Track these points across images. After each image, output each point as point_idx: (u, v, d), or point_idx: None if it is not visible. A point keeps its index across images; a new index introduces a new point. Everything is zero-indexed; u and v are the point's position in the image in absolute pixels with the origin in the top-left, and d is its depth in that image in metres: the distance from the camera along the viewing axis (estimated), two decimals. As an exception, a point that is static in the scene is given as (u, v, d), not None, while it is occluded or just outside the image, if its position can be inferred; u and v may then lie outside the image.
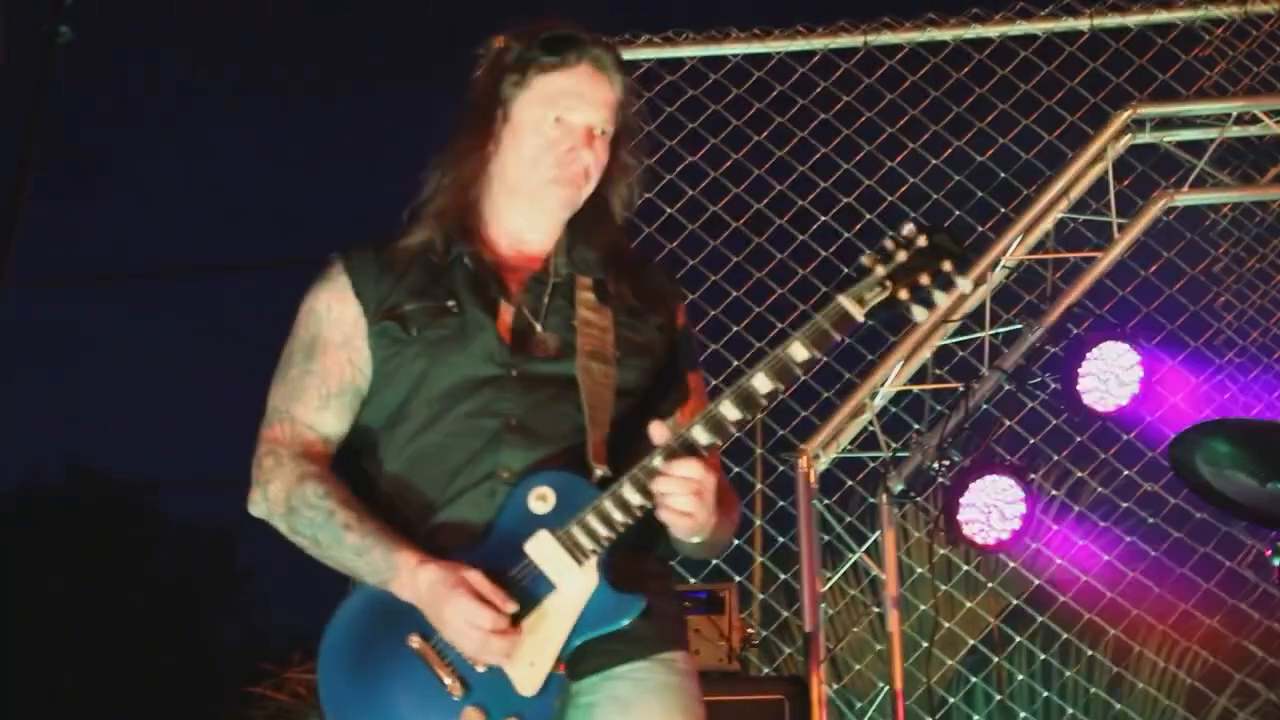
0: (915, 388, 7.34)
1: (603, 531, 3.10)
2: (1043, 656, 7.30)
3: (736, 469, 7.41)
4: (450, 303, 3.30)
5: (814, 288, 7.50)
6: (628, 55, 7.56)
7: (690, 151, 7.67)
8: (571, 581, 3.12)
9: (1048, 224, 7.36)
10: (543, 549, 3.12)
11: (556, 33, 3.34)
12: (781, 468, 7.34)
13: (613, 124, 3.37)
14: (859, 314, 3.07)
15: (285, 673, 8.69)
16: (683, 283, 3.64)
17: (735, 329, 7.47)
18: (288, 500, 3.25)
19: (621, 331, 3.32)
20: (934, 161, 7.61)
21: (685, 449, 3.09)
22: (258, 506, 3.29)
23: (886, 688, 7.11)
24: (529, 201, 3.38)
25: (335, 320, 3.35)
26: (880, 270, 3.07)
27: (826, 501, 7.22)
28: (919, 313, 3.09)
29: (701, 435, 3.10)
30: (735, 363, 7.24)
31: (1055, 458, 7.35)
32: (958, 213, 7.56)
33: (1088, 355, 7.00)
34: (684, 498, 3.08)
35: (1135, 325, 7.33)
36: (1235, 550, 7.18)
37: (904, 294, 3.07)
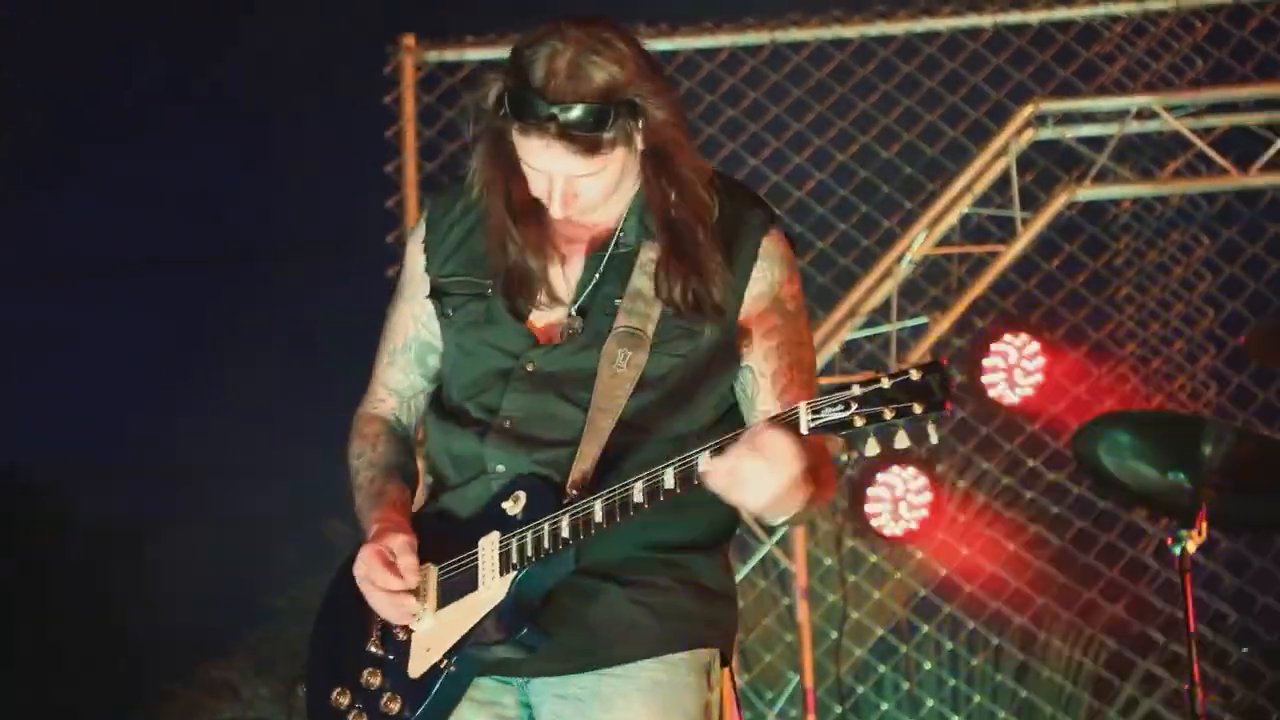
0: (823, 380, 7.37)
1: (529, 551, 3.05)
2: (950, 645, 7.37)
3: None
4: (488, 284, 3.23)
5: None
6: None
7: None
8: (489, 588, 3.11)
9: (952, 219, 7.44)
10: (486, 547, 3.13)
11: (514, 93, 3.09)
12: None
13: (595, 167, 3.09)
14: (805, 424, 2.83)
15: (197, 668, 8.67)
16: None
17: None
18: (346, 457, 3.38)
19: (667, 320, 3.16)
20: (840, 157, 7.67)
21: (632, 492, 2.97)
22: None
23: (796, 678, 7.17)
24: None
25: (412, 273, 3.36)
26: (855, 389, 2.83)
27: (736, 494, 7.26)
28: (873, 446, 2.92)
29: (638, 494, 2.97)
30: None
31: (960, 449, 7.43)
32: (864, 208, 7.62)
33: (992, 348, 7.09)
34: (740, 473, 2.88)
35: (1038, 318, 7.43)
36: (1137, 539, 7.29)
37: (860, 421, 2.82)
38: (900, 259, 7.40)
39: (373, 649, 3.20)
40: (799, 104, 7.73)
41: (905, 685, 7.34)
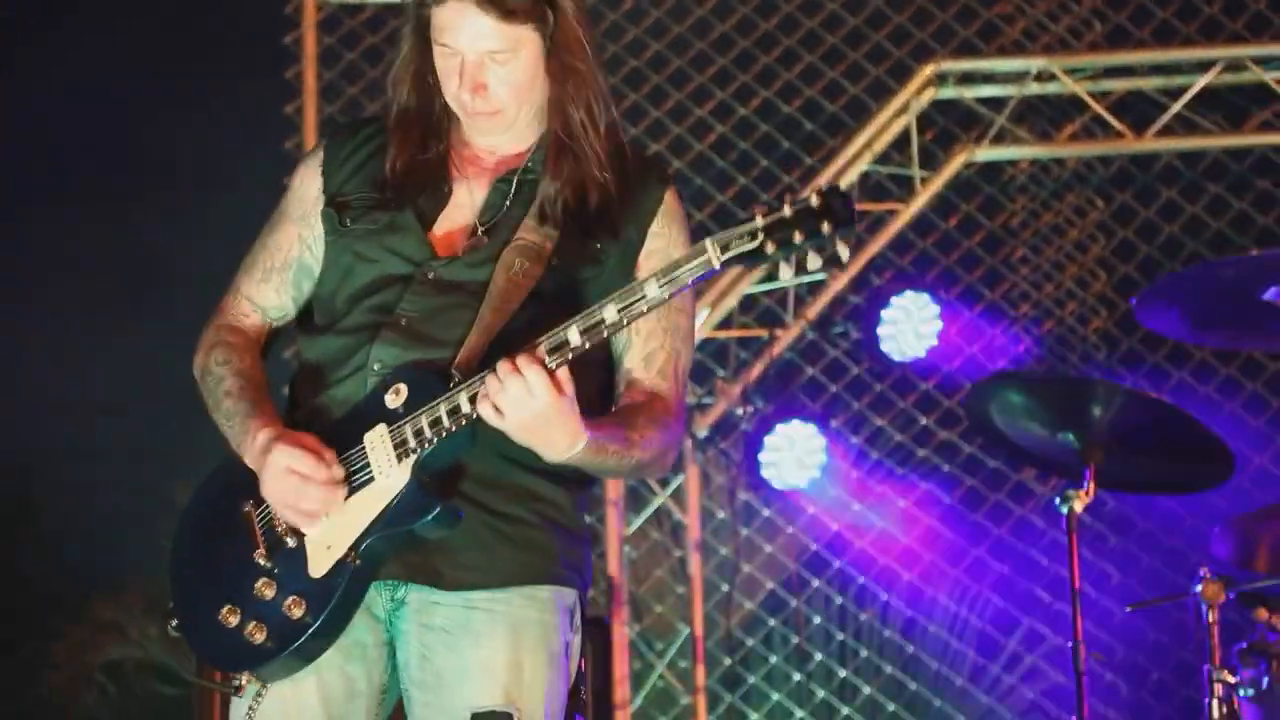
0: (721, 334, 7.42)
1: (427, 433, 3.08)
2: (839, 600, 7.43)
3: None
4: (390, 197, 3.31)
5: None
6: None
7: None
8: (386, 475, 3.12)
9: (852, 176, 7.46)
10: (375, 441, 3.13)
11: None
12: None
13: (507, 43, 3.21)
14: (716, 260, 2.94)
15: (86, 606, 8.58)
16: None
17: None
18: (202, 366, 3.35)
19: (568, 240, 3.26)
20: (742, 111, 7.67)
21: (526, 355, 3.02)
22: (194, 366, 3.39)
23: (687, 630, 7.21)
24: (467, 129, 3.37)
25: (300, 196, 3.41)
26: (759, 220, 2.91)
27: (631, 446, 7.28)
28: (785, 271, 2.97)
29: (542, 350, 3.02)
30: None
31: (855, 406, 7.47)
32: (764, 163, 7.63)
33: (888, 306, 7.13)
34: (499, 399, 2.99)
35: (935, 277, 7.48)
36: (1026, 498, 7.36)
37: (771, 248, 2.90)
38: (799, 214, 7.40)
39: (260, 561, 3.17)
40: (701, 57, 7.71)
41: (794, 639, 7.38)
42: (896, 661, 7.40)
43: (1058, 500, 4.96)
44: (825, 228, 2.89)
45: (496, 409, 3.00)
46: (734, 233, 2.94)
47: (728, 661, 7.31)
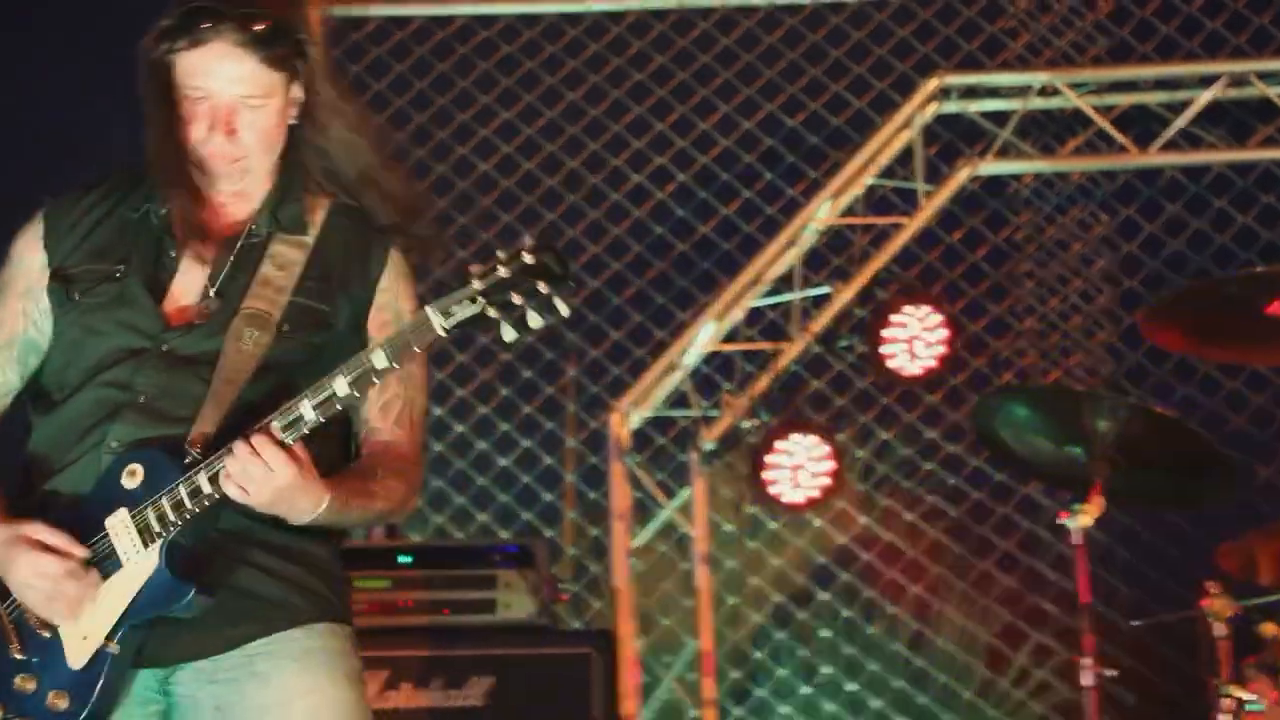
0: (727, 348, 7.43)
1: (171, 516, 3.05)
2: (847, 613, 7.42)
3: (550, 425, 7.45)
4: (118, 268, 3.26)
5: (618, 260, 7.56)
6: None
7: (505, 113, 7.67)
8: (135, 562, 3.08)
9: (856, 189, 7.47)
10: (118, 526, 3.09)
11: (184, 9, 3.24)
12: (594, 425, 7.40)
13: (262, 88, 3.24)
14: (440, 327, 2.97)
15: None
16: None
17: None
18: None
19: (298, 299, 3.26)
20: (746, 125, 7.67)
21: (262, 435, 3.02)
22: None
23: (695, 643, 7.20)
24: (207, 175, 3.33)
25: (25, 268, 3.33)
26: (476, 284, 2.93)
27: (638, 459, 7.29)
28: (509, 332, 2.95)
29: (277, 429, 3.03)
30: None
31: (861, 419, 7.47)
32: (769, 176, 7.64)
33: (893, 319, 7.13)
34: (242, 479, 3.01)
35: (940, 290, 7.48)
36: (1032, 512, 7.36)
37: (493, 312, 2.94)
38: (804, 228, 7.42)
39: (15, 655, 3.12)
40: (705, 70, 7.72)
41: (803, 651, 7.38)
42: (905, 675, 7.39)
43: (1064, 514, 4.97)
44: (542, 287, 2.93)
45: (241, 489, 3.01)
46: (454, 298, 2.96)
47: (736, 674, 7.30)
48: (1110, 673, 5.03)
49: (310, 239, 3.32)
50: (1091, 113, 7.49)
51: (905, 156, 7.54)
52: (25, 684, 3.10)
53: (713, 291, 7.40)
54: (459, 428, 7.38)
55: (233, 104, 3.23)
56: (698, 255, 7.59)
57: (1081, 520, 4.94)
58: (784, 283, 7.44)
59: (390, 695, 5.53)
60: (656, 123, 7.67)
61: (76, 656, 3.09)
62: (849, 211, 7.50)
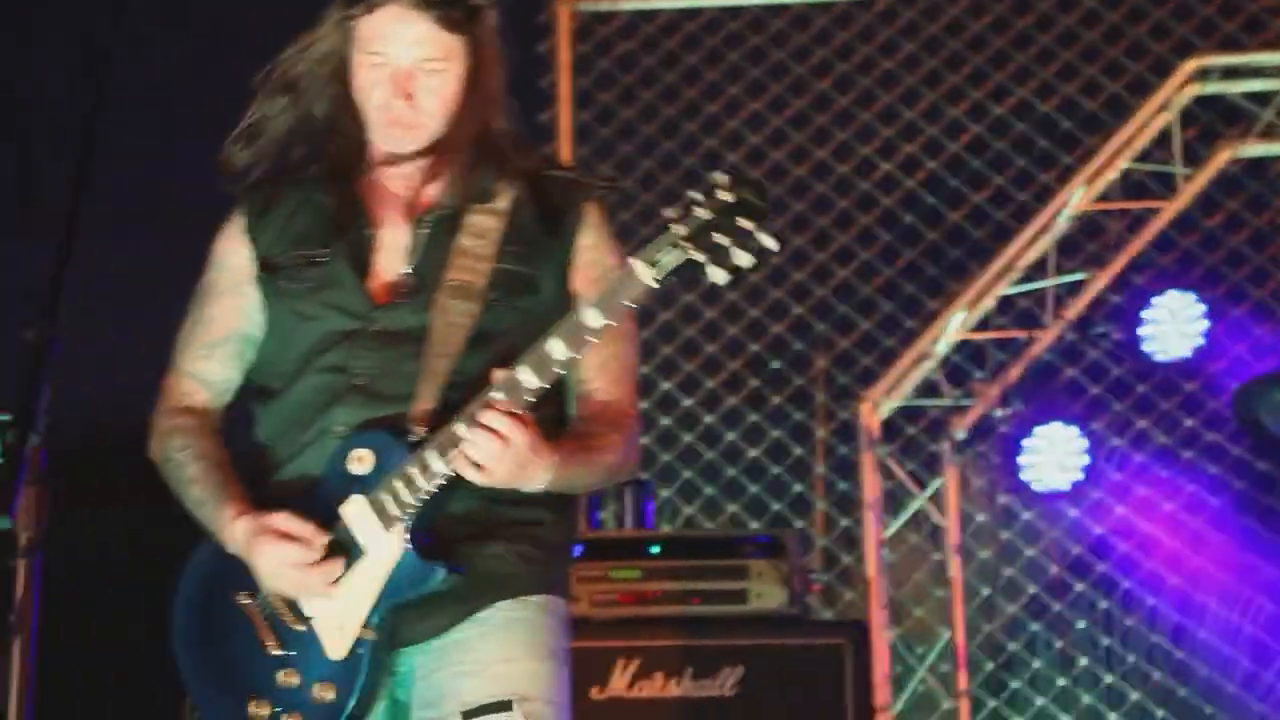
0: (978, 336, 7.37)
1: (406, 497, 3.08)
2: (1104, 604, 7.32)
3: (800, 416, 7.46)
4: (320, 252, 3.31)
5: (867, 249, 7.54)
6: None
7: (749, 102, 7.69)
8: (378, 547, 3.11)
9: (1112, 174, 7.35)
10: (355, 513, 3.13)
11: None
12: (844, 415, 7.39)
13: (441, 51, 3.25)
14: (649, 278, 2.93)
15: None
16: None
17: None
18: (160, 452, 3.35)
19: (502, 265, 3.27)
20: (997, 110, 7.60)
21: (489, 407, 3.01)
22: (150, 455, 3.39)
23: (948, 634, 7.16)
24: (385, 144, 3.35)
25: (230, 265, 3.39)
26: (678, 229, 2.89)
27: (888, 449, 7.27)
28: (717, 273, 2.90)
29: (500, 399, 3.02)
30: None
31: (1117, 407, 7.36)
32: (1020, 162, 7.55)
33: (1151, 305, 7.01)
34: (476, 455, 3.02)
35: (1199, 276, 7.32)
36: (1298, 500, 7.18)
37: (699, 255, 2.88)
38: (1058, 214, 7.32)
39: (273, 651, 3.18)
40: (955, 56, 7.66)
41: (1058, 643, 7.29)
42: (1165, 667, 7.26)
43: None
44: (745, 223, 2.86)
45: (475, 464, 3.02)
46: (657, 246, 2.92)
47: (990, 666, 7.24)
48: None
49: (502, 206, 3.31)
50: (1357, 91, 7.27)
51: (1163, 140, 7.39)
52: (289, 679, 3.15)
53: (964, 280, 7.34)
54: (708, 419, 7.43)
55: (411, 68, 3.24)
56: (948, 243, 7.54)
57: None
58: (1037, 270, 7.35)
59: (642, 685, 5.59)
60: (906, 110, 7.63)
61: (335, 647, 3.14)
62: (1104, 197, 7.38)
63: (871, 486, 7.13)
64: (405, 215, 3.34)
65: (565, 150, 7.49)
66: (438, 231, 3.31)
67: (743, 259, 2.88)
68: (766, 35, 7.72)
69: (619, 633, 5.65)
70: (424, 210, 3.34)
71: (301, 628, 3.17)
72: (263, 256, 3.35)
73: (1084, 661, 7.27)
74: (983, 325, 7.34)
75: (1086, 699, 7.23)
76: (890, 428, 7.30)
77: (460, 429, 3.03)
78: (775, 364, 7.47)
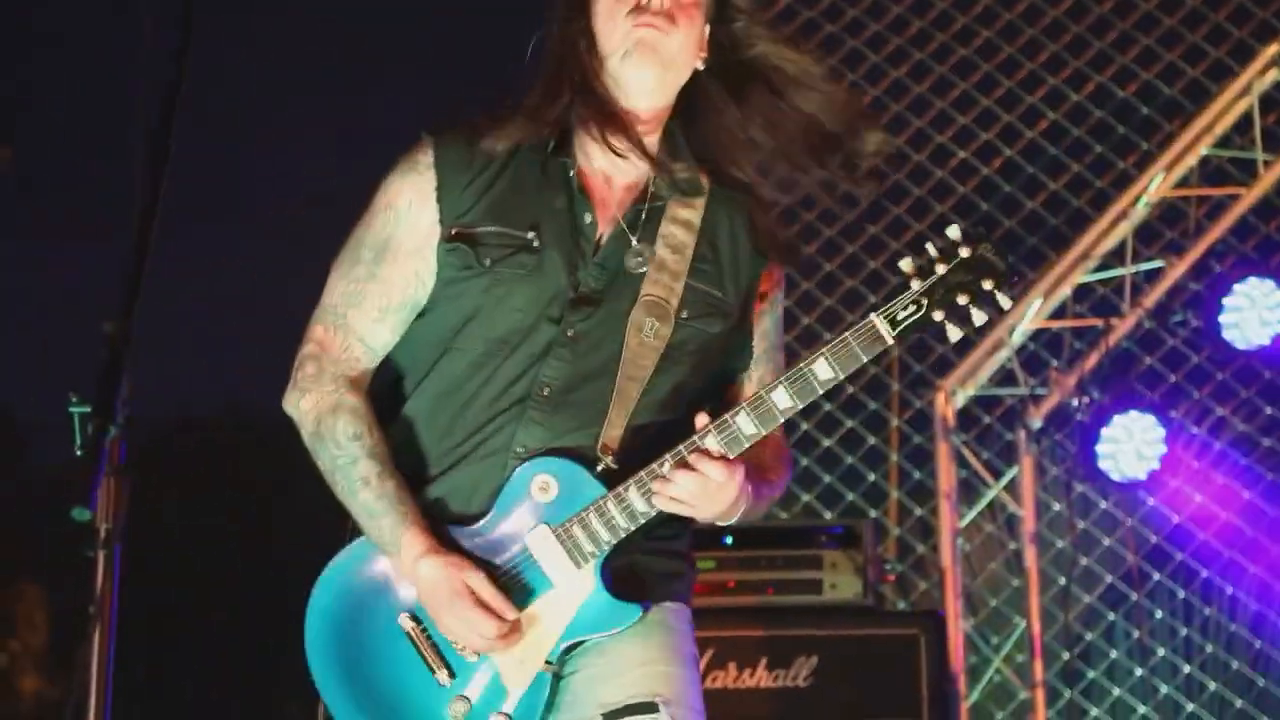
0: (1054, 324, 7.33)
1: (604, 535, 3.00)
2: (1182, 594, 7.27)
3: (874, 405, 7.45)
4: (531, 234, 3.08)
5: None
6: None
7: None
8: (569, 583, 3.03)
9: (1191, 160, 7.29)
10: (542, 544, 3.03)
11: None
12: (919, 404, 7.37)
13: None
14: (889, 336, 2.92)
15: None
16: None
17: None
18: (318, 423, 3.10)
19: (695, 283, 3.13)
20: (1075, 97, 7.55)
21: (697, 451, 2.96)
22: (289, 408, 3.16)
23: (1024, 624, 7.14)
24: (622, 70, 3.10)
25: (412, 223, 3.12)
26: (916, 285, 2.88)
27: (964, 438, 7.24)
28: (954, 332, 2.90)
29: (714, 445, 2.95)
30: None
31: (1196, 395, 7.30)
32: (1098, 148, 7.50)
33: (1231, 292, 6.95)
34: (690, 499, 2.98)
35: (1279, 262, 7.25)
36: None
37: (939, 314, 2.88)
38: (1136, 201, 7.27)
39: (443, 681, 3.07)
40: (1033, 43, 7.62)
41: (1135, 633, 7.25)
42: (1244, 657, 7.21)
43: None
44: (986, 285, 2.87)
45: (689, 506, 2.98)
46: (898, 303, 2.90)
47: (1066, 656, 7.21)
48: None
49: (697, 217, 3.15)
50: None
51: (1243, 125, 7.32)
52: (460, 709, 3.06)
53: (1040, 267, 7.30)
54: (784, 408, 7.41)
55: None
56: (1025, 230, 7.50)
57: None
58: (1114, 257, 7.30)
59: (717, 674, 5.61)
60: (983, 98, 7.59)
61: (515, 681, 3.05)
62: (1183, 183, 7.32)
63: (946, 476, 7.11)
64: (614, 202, 3.15)
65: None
66: (647, 226, 3.13)
67: (978, 318, 2.89)
68: (843, 22, 7.70)
69: (694, 623, 5.66)
70: (634, 199, 3.15)
71: (476, 659, 3.06)
72: (456, 224, 3.09)
73: (1162, 651, 7.24)
74: (1059, 313, 7.30)
75: (1164, 689, 7.19)
76: (966, 417, 7.28)
77: (667, 470, 2.97)
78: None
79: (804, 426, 7.40)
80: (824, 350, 2.96)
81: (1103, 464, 6.94)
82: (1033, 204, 7.49)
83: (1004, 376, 7.28)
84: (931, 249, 2.90)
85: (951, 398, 7.17)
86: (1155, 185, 7.27)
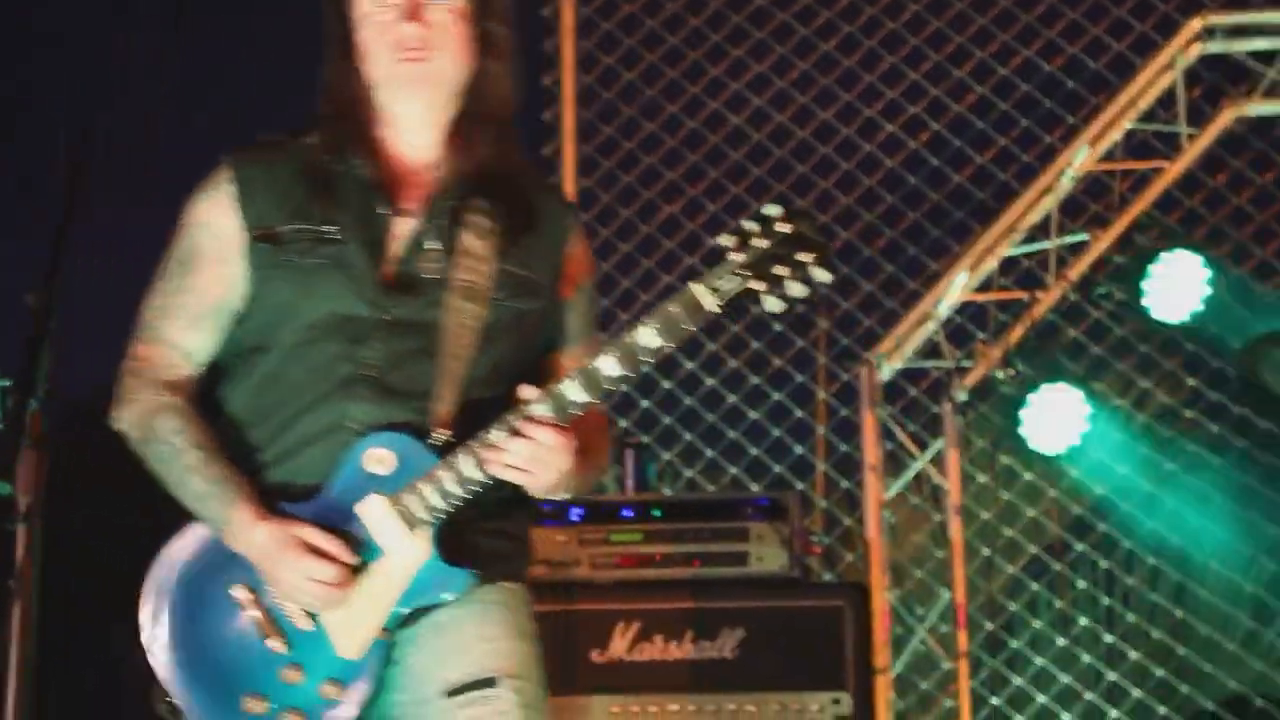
0: (980, 297, 7.35)
1: (436, 502, 3.06)
2: (1105, 564, 7.33)
3: (801, 378, 7.46)
4: (328, 228, 3.19)
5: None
6: None
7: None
8: (402, 550, 3.08)
9: (1116, 134, 7.33)
10: (374, 513, 3.08)
11: None
12: (845, 377, 7.39)
13: None
14: (712, 304, 2.98)
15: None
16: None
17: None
18: (143, 426, 3.20)
19: (503, 265, 3.23)
20: (1002, 71, 7.57)
21: (527, 419, 3.04)
22: (119, 423, 3.25)
23: (948, 594, 7.17)
24: (393, 100, 3.25)
25: (215, 233, 3.23)
26: (737, 258, 2.95)
27: (890, 410, 7.27)
28: (773, 304, 2.97)
29: (543, 412, 3.03)
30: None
31: (1120, 367, 7.35)
32: (1024, 122, 7.53)
33: (1154, 265, 6.99)
34: (525, 464, 3.05)
35: (1203, 236, 7.31)
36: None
37: (759, 285, 2.95)
38: (1061, 175, 7.30)
39: (275, 648, 3.11)
40: (961, 17, 7.63)
41: (1058, 603, 7.30)
42: (1166, 626, 7.27)
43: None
44: (803, 257, 2.96)
45: (524, 472, 3.05)
46: (717, 274, 2.97)
47: (990, 626, 7.26)
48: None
49: (499, 197, 3.26)
50: (1363, 50, 7.23)
51: (1167, 99, 7.36)
52: (291, 675, 3.10)
53: (966, 241, 7.33)
54: (710, 381, 7.42)
55: (417, 2, 3.19)
56: (951, 204, 7.52)
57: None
58: (1040, 230, 7.33)
59: (643, 647, 5.61)
60: (910, 72, 7.60)
61: (348, 646, 3.10)
62: (1108, 157, 7.35)
63: (872, 448, 7.13)
64: (413, 196, 3.26)
65: (569, 116, 7.48)
66: (447, 223, 3.24)
67: (797, 290, 2.96)
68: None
69: (620, 596, 5.67)
70: (433, 194, 3.26)
71: (309, 626, 3.10)
72: (257, 226, 3.21)
73: (1084, 621, 7.29)
74: (985, 286, 7.33)
75: (1086, 658, 7.25)
76: (892, 389, 7.30)
77: (498, 437, 3.04)
78: (776, 326, 7.46)
79: (731, 399, 7.41)
80: (647, 319, 3.02)
81: (1027, 436, 6.98)
82: (959, 178, 7.51)
83: (930, 349, 7.31)
84: (752, 224, 2.96)
85: (878, 370, 7.19)
86: (1080, 159, 7.30)
